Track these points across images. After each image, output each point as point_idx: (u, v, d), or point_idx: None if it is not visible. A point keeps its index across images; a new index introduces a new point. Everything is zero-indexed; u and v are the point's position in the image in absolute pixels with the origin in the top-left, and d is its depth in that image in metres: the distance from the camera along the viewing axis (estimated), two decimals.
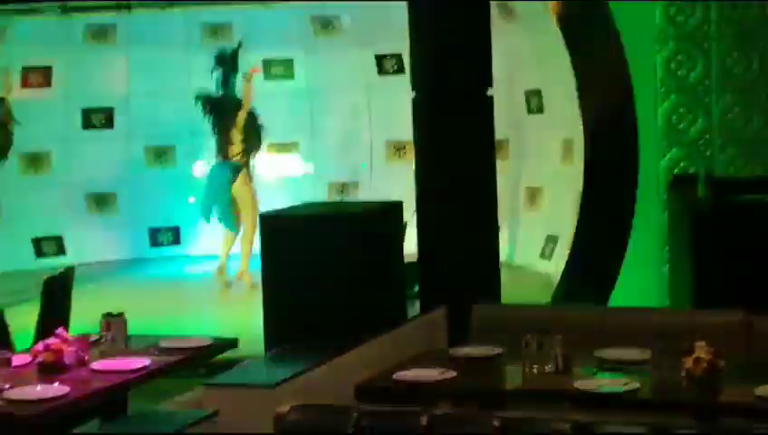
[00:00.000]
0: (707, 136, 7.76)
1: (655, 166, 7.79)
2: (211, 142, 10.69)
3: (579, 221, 8.23)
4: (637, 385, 4.23)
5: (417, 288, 6.00)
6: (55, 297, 5.98)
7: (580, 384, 4.28)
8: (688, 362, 4.22)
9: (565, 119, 8.93)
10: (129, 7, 10.98)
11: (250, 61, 10.47)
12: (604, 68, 7.99)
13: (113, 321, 4.99)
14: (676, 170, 7.75)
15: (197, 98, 10.18)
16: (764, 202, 7.17)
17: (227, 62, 10.13)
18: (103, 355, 4.89)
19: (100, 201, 11.50)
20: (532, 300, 7.72)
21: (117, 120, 11.49)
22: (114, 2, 10.92)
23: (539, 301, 7.78)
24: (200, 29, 11.52)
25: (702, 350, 4.22)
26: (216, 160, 10.09)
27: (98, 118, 11.41)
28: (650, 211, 7.81)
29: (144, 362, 4.74)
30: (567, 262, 8.38)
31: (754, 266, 6.90)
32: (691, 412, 4.17)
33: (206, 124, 10.83)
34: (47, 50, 11.05)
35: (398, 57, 11.14)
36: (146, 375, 4.72)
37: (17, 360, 4.74)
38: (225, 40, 11.04)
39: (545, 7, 8.33)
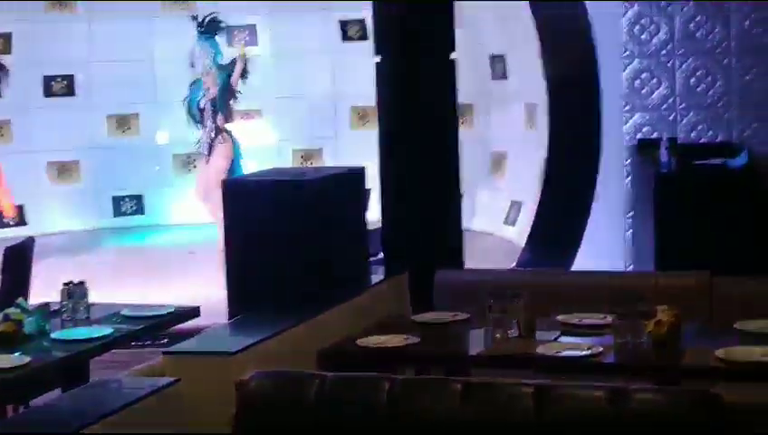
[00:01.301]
0: (670, 101, 7.77)
1: (618, 131, 7.80)
2: (175, 111, 10.64)
3: (542, 186, 8.24)
4: (599, 349, 4.25)
5: (381, 255, 5.99)
6: (15, 267, 5.93)
7: (543, 349, 4.29)
8: (650, 326, 4.24)
9: (529, 84, 8.92)
10: None
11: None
12: (568, 33, 7.98)
13: (74, 290, 4.96)
14: (639, 135, 7.76)
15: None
16: (726, 167, 7.20)
17: (211, 33, 10.11)
18: (64, 325, 4.86)
19: (62, 170, 11.40)
20: (497, 266, 7.72)
21: (78, 87, 11.37)
22: None
23: (503, 267, 7.78)
24: None
25: (664, 313, 4.24)
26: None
27: (59, 86, 11.29)
28: (614, 176, 7.83)
29: (105, 330, 4.71)
30: (531, 227, 8.39)
31: (716, 230, 6.94)
32: (653, 375, 4.20)
33: (169, 92, 10.79)
34: (6, 17, 10.90)
35: (362, 23, 11.08)
36: (107, 344, 4.70)
37: None
38: (187, 6, 10.95)
39: None
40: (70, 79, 11.36)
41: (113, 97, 11.29)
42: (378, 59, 5.86)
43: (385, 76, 5.83)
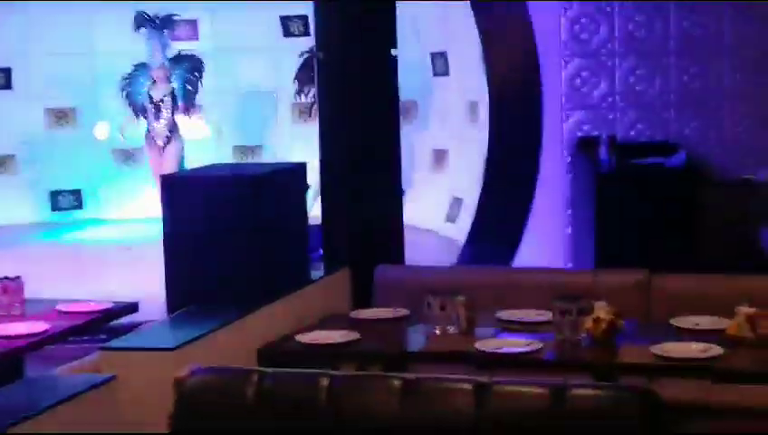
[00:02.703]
0: (610, 99, 7.83)
1: (559, 129, 7.85)
2: (113, 103, 10.61)
3: (483, 184, 8.27)
4: (538, 345, 4.27)
5: (321, 251, 5.97)
6: None
7: (482, 345, 4.31)
8: (588, 323, 4.27)
9: (471, 81, 8.94)
10: None
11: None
12: (509, 28, 8.01)
13: (9, 284, 4.89)
14: (579, 133, 7.81)
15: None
16: (664, 166, 7.27)
17: (163, 28, 10.31)
18: None
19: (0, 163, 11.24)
20: (438, 263, 7.74)
21: (15, 80, 11.21)
22: None
23: (444, 264, 7.80)
24: None
25: (602, 310, 4.27)
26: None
27: None
28: (554, 174, 7.87)
29: (41, 326, 4.65)
30: (472, 224, 8.42)
31: (654, 228, 7.01)
32: (591, 372, 4.23)
33: (108, 86, 10.75)
34: None
35: (305, 19, 11.04)
36: (43, 340, 4.63)
37: None
38: None
39: None
40: (7, 72, 11.20)
41: (51, 89, 11.15)
42: (318, 55, 5.84)
43: (325, 73, 5.81)
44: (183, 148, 10.37)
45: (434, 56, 10.12)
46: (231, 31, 11.20)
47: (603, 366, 4.20)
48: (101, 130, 11.14)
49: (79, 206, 11.43)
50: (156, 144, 10.35)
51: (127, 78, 10.58)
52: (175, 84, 10.43)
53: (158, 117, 10.29)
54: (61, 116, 11.38)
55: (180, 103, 10.35)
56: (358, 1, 5.75)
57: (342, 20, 5.76)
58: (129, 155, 11.32)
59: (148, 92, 10.39)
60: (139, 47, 10.73)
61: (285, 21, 11.31)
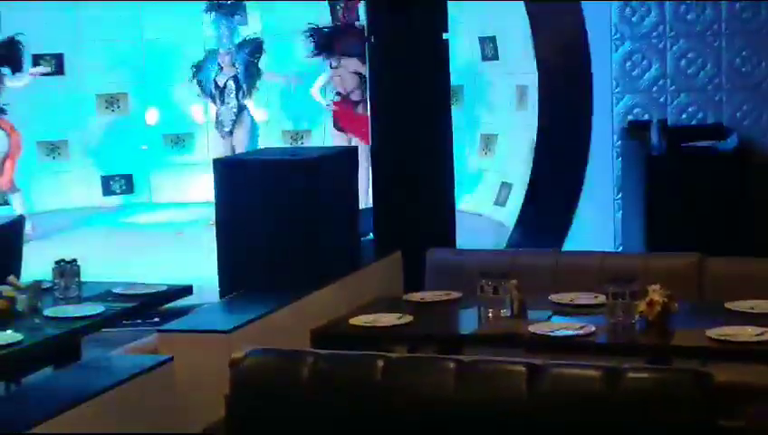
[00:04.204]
0: (661, 83, 7.78)
1: (609, 112, 7.81)
2: (163, 88, 10.72)
3: (533, 168, 8.25)
4: (591, 328, 4.27)
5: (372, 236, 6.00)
6: (6, 245, 5.92)
7: (535, 328, 4.31)
8: (642, 306, 4.26)
9: (520, 65, 8.91)
10: None
11: None
12: (558, 13, 7.97)
13: (66, 268, 4.95)
14: (629, 117, 7.77)
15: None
16: (716, 149, 7.21)
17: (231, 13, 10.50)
18: (56, 302, 4.85)
19: (53, 150, 11.35)
20: (488, 247, 7.74)
21: (67, 66, 11.32)
22: None
23: (493, 247, 7.79)
24: None
25: (655, 293, 4.26)
26: None
27: (48, 64, 11.22)
28: (604, 158, 7.84)
29: (97, 308, 4.71)
30: (521, 208, 8.40)
31: (705, 212, 6.96)
32: (644, 355, 4.22)
33: (157, 71, 10.87)
34: None
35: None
36: (99, 322, 4.69)
37: None
38: None
39: None
40: (59, 58, 11.30)
41: (102, 76, 11.25)
42: (371, 40, 5.86)
43: (377, 58, 5.82)
44: (253, 131, 10.47)
45: (482, 40, 10.10)
46: (283, 15, 11.23)
47: (657, 349, 4.20)
48: (152, 116, 11.25)
49: (130, 190, 11.54)
50: (223, 129, 10.50)
51: (197, 65, 10.71)
52: (238, 69, 10.59)
53: (223, 101, 10.48)
54: (112, 101, 11.48)
55: (244, 87, 10.50)
56: None
57: (393, 4, 5.77)
58: (179, 139, 11.41)
59: (214, 78, 10.54)
60: (187, 33, 10.81)
61: (333, 4, 11.30)
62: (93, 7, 11.01)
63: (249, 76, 10.56)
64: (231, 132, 10.46)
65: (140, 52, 11.29)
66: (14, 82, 10.13)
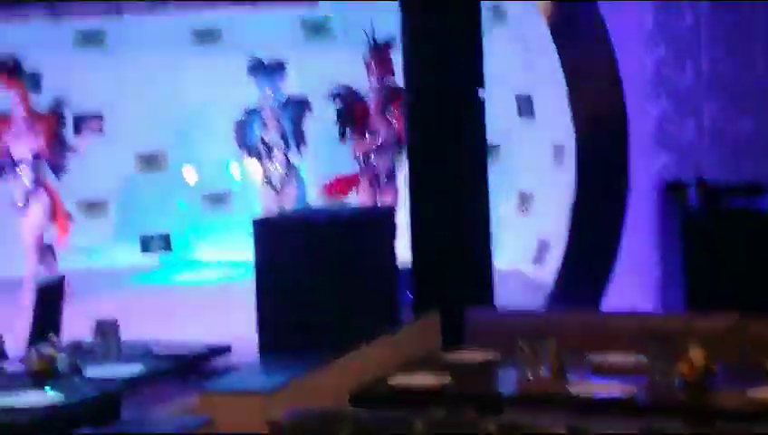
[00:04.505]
0: (697, 141, 7.77)
1: (646, 171, 7.79)
2: (201, 147, 10.82)
3: (571, 226, 8.23)
4: (632, 390, 4.24)
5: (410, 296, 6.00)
6: (47, 304, 5.96)
7: (575, 389, 4.29)
8: (682, 367, 4.23)
9: (556, 124, 8.92)
10: (120, 12, 11.04)
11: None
12: (594, 71, 8.00)
13: (105, 327, 4.98)
14: (666, 176, 7.75)
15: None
16: (754, 207, 7.18)
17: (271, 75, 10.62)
18: (96, 362, 4.88)
19: (92, 208, 11.45)
20: (523, 305, 7.70)
21: (107, 125, 11.42)
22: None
23: (531, 306, 7.76)
24: (190, 33, 11.48)
25: (696, 354, 4.23)
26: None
27: (97, 125, 11.34)
28: (642, 216, 7.82)
29: (136, 369, 4.73)
30: (560, 267, 8.37)
31: (745, 270, 6.91)
32: (685, 416, 4.18)
33: (195, 130, 10.97)
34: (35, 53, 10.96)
35: None
36: (138, 382, 4.71)
37: (10, 367, 4.72)
38: (214, 43, 11.14)
39: (535, 8, 8.34)
40: (99, 118, 11.41)
41: (141, 134, 11.36)
42: (408, 97, 5.90)
43: (414, 113, 5.86)
44: (301, 187, 10.54)
45: (519, 98, 10.13)
46: (317, 70, 11.31)
47: (698, 411, 4.15)
48: (190, 174, 11.33)
49: (168, 248, 11.60)
50: (272, 186, 10.60)
51: (239, 122, 10.82)
52: (285, 126, 10.70)
53: (270, 158, 10.59)
54: (150, 160, 11.58)
55: (292, 143, 10.62)
56: (445, 42, 5.80)
57: (430, 60, 5.82)
58: (219, 198, 11.48)
59: (261, 135, 10.64)
60: (227, 91, 10.91)
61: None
62: (133, 65, 11.16)
63: (297, 134, 10.69)
64: (280, 189, 10.55)
65: (181, 110, 11.39)
66: (79, 145, 10.25)
